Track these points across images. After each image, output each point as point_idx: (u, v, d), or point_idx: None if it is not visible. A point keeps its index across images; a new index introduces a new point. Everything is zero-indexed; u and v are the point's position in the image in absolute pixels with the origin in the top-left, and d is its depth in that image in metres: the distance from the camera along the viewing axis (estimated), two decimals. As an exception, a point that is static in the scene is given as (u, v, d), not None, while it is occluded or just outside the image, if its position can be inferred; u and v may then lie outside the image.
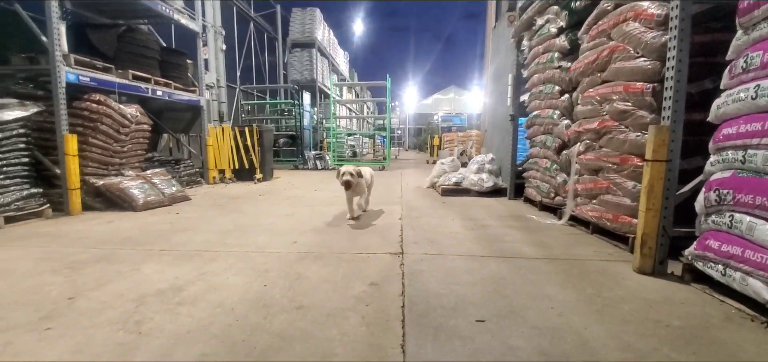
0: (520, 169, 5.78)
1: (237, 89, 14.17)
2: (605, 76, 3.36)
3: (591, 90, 3.56)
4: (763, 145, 1.94)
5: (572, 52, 4.16)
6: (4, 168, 4.07)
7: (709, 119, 2.35)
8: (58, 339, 1.73)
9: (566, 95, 4.23)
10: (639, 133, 3.00)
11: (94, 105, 4.94)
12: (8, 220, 4.01)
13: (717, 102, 2.27)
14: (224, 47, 10.54)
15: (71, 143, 4.52)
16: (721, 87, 2.27)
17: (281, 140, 13.49)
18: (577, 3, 3.98)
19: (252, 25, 15.96)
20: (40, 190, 4.42)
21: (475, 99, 30.28)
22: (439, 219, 4.38)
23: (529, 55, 5.16)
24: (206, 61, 9.34)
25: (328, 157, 11.68)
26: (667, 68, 2.50)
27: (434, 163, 9.20)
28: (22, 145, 4.24)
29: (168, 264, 2.75)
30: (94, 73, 4.93)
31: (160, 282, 2.41)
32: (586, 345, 1.70)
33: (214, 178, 7.86)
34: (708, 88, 2.96)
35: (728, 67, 2.21)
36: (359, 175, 4.22)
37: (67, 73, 4.52)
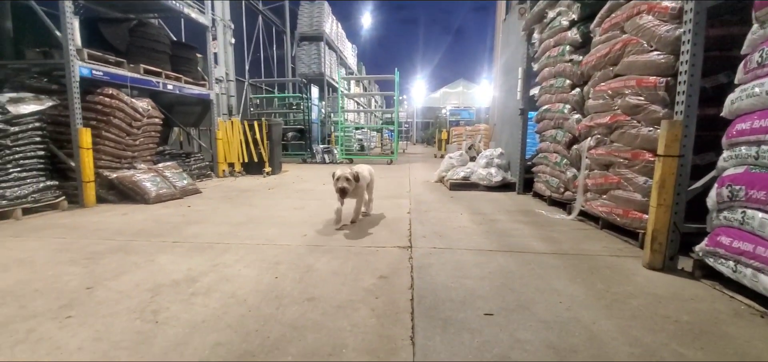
0: (529, 163, 5.76)
1: (246, 83, 14.24)
2: (618, 69, 3.33)
3: (603, 84, 3.54)
4: (777, 140, 1.92)
5: (584, 45, 4.12)
6: (21, 161, 4.17)
7: (722, 114, 2.32)
8: (79, 327, 1.79)
9: (577, 89, 4.20)
10: (651, 128, 2.97)
11: (107, 99, 5.02)
12: (25, 212, 4.12)
13: (731, 97, 2.25)
14: (233, 41, 10.60)
15: (85, 136, 4.61)
16: (736, 81, 2.24)
17: (289, 134, 13.55)
18: (589, -5, 3.94)
19: (260, 18, 15.99)
20: (56, 183, 4.52)
21: (484, 93, 30.05)
22: (447, 213, 4.39)
23: (539, 49, 5.12)
24: (215, 55, 9.41)
25: (336, 151, 11.72)
26: (681, 62, 2.47)
27: (442, 157, 9.19)
28: (37, 139, 4.34)
29: (181, 256, 2.81)
30: (106, 68, 5.01)
31: (174, 272, 2.47)
32: (595, 339, 1.71)
33: (223, 171, 7.95)
34: (722, 83, 2.92)
35: (743, 62, 2.18)
36: (356, 178, 3.67)
37: (80, 67, 4.59)
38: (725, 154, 2.29)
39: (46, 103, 4.39)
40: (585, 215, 3.93)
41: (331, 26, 15.64)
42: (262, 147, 8.33)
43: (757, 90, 2.04)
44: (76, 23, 4.75)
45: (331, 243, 3.17)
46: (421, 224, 3.83)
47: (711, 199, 2.33)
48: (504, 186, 6.09)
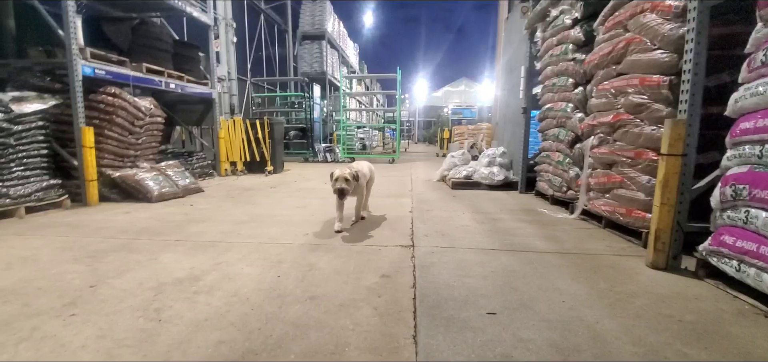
0: (531, 162, 5.75)
1: (248, 82, 14.25)
2: (621, 68, 3.32)
3: (606, 83, 3.52)
4: (782, 139, 1.91)
5: (587, 43, 4.11)
6: (25, 159, 4.19)
7: (726, 113, 2.31)
8: (82, 324, 1.80)
9: (580, 88, 4.18)
10: (654, 127, 2.96)
11: (110, 98, 5.03)
12: (29, 210, 4.14)
13: (735, 96, 2.24)
14: (235, 40, 10.60)
15: (88, 135, 4.62)
16: (739, 80, 2.23)
17: (291, 133, 13.55)
18: (593, -6, 3.93)
19: (262, 17, 16.00)
20: (59, 181, 4.54)
21: (486, 91, 29.98)
22: (449, 212, 4.38)
23: (542, 47, 5.10)
24: (218, 53, 9.41)
25: (338, 150, 11.73)
26: (685, 61, 2.46)
27: (444, 156, 9.18)
28: (41, 137, 4.35)
29: (184, 254, 2.82)
30: (109, 66, 5.01)
31: (177, 271, 2.48)
32: (598, 338, 1.71)
33: (225, 170, 7.97)
34: (725, 82, 2.90)
35: (747, 61, 2.17)
36: (356, 178, 3.49)
37: (83, 66, 4.60)
38: (729, 153, 2.28)
39: (50, 102, 4.40)
40: (588, 214, 3.92)
41: (333, 25, 15.63)
42: (264, 146, 8.34)
43: (761, 89, 2.03)
44: (79, 22, 4.77)
45: (334, 242, 3.17)
46: (423, 223, 3.83)
47: (714, 198, 2.32)
48: (506, 186, 6.08)
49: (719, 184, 2.29)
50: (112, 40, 5.73)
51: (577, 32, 4.21)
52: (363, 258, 2.75)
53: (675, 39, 2.74)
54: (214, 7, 8.62)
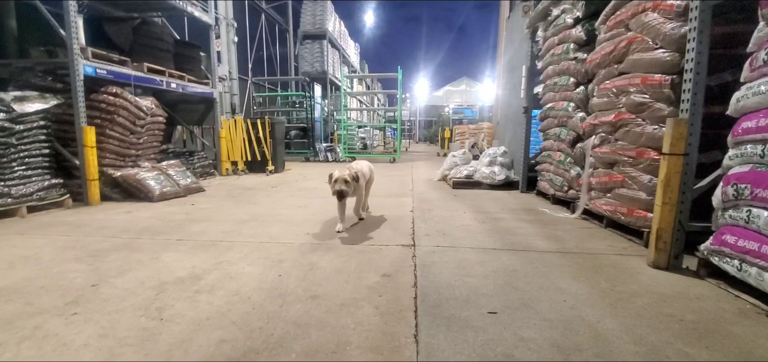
0: (532, 161, 5.74)
1: (249, 81, 14.25)
2: (622, 67, 3.31)
3: (607, 82, 3.52)
4: (784, 138, 1.91)
5: (588, 43, 4.10)
6: (26, 159, 4.20)
7: (728, 112, 2.31)
8: (85, 323, 1.80)
9: (581, 87, 4.18)
10: (656, 126, 2.96)
11: (111, 97, 5.04)
12: (31, 210, 4.15)
13: (737, 95, 2.23)
14: (236, 39, 10.61)
15: (90, 135, 4.63)
16: (742, 79, 2.22)
17: (292, 132, 13.57)
18: (594, -7, 3.92)
19: (263, 17, 15.99)
20: (61, 181, 4.55)
21: (487, 91, 30.00)
22: (450, 211, 4.38)
23: (543, 46, 5.10)
24: (219, 53, 9.42)
25: (339, 149, 11.73)
26: (686, 60, 2.46)
27: (445, 155, 9.18)
28: (42, 137, 4.36)
29: (186, 254, 2.82)
30: (110, 66, 5.02)
31: (179, 270, 2.48)
32: (599, 337, 1.71)
33: (227, 169, 7.97)
34: (727, 81, 2.90)
35: (749, 59, 2.16)
36: (356, 178, 3.43)
37: (84, 65, 4.61)
38: (731, 152, 2.28)
39: (51, 102, 4.41)
40: (589, 213, 3.92)
41: (334, 24, 15.64)
42: (265, 145, 8.35)
43: (763, 88, 2.02)
44: (80, 22, 4.78)
45: (334, 241, 3.17)
46: (424, 222, 3.83)
47: (716, 198, 2.32)
48: (507, 185, 6.08)
49: (721, 184, 2.28)
50: (114, 40, 5.73)
51: (578, 31, 4.21)
52: (364, 258, 2.75)
53: (677, 38, 2.74)
54: (215, 7, 8.63)
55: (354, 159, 11.23)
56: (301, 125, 13.60)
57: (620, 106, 3.32)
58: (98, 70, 4.81)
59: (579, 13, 4.26)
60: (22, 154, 4.15)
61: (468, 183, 6.24)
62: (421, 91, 41.31)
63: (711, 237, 2.35)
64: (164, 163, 5.71)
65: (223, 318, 1.85)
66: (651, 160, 2.98)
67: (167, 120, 6.30)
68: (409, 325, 1.81)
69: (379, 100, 29.59)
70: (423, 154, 16.07)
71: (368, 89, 22.93)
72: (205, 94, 7.42)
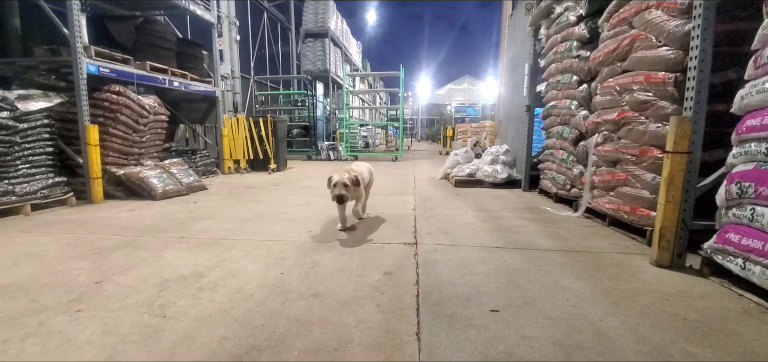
0: (535, 160, 5.73)
1: (251, 80, 14.27)
2: (626, 65, 3.30)
3: (610, 80, 3.50)
4: (789, 136, 1.90)
5: (591, 41, 4.09)
6: (30, 157, 4.22)
7: (732, 110, 2.29)
8: (88, 320, 1.81)
9: (584, 85, 4.16)
10: (659, 124, 2.94)
11: (114, 96, 5.06)
12: (35, 208, 4.17)
13: (741, 93, 2.22)
14: (238, 38, 10.60)
15: (93, 133, 4.65)
16: (746, 77, 2.21)
17: (295, 131, 13.59)
18: (597, -10, 3.90)
19: (265, 15, 16.00)
20: (64, 179, 4.57)
21: (489, 89, 29.94)
22: (452, 209, 4.38)
23: (546, 44, 5.08)
24: (221, 51, 9.41)
25: (341, 148, 11.74)
26: (690, 58, 2.44)
27: (447, 154, 9.17)
28: (46, 135, 4.38)
29: (188, 251, 2.83)
30: (113, 65, 5.04)
31: (181, 268, 2.49)
32: (602, 336, 1.70)
33: (229, 167, 7.99)
34: (731, 79, 2.88)
35: (753, 57, 2.15)
36: (355, 182, 3.38)
37: (87, 64, 4.63)
38: (735, 150, 2.27)
39: (55, 100, 4.44)
40: (592, 212, 3.91)
41: (336, 23, 15.61)
42: (268, 144, 8.36)
43: (767, 86, 2.01)
44: (83, 21, 4.78)
45: (336, 239, 3.18)
46: (426, 221, 3.82)
47: (720, 196, 2.30)
48: (509, 183, 6.07)
49: (725, 182, 2.27)
50: (117, 39, 5.76)
51: (581, 29, 4.19)
52: (366, 256, 2.75)
53: (680, 35, 2.72)
54: (218, 6, 8.62)
55: (356, 157, 11.25)
56: (304, 124, 13.62)
57: (623, 104, 3.31)
58: (101, 69, 4.82)
59: (582, 11, 4.24)
60: (26, 152, 4.17)
61: (470, 182, 6.23)
62: (424, 90, 41.29)
63: (714, 236, 2.33)
64: (167, 162, 5.73)
65: (226, 316, 1.86)
66: (654, 158, 2.97)
67: (170, 118, 6.31)
68: (411, 323, 1.81)
69: (381, 98, 29.56)
70: (425, 153, 16.06)
71: (370, 88, 22.91)
72: (208, 93, 7.44)
